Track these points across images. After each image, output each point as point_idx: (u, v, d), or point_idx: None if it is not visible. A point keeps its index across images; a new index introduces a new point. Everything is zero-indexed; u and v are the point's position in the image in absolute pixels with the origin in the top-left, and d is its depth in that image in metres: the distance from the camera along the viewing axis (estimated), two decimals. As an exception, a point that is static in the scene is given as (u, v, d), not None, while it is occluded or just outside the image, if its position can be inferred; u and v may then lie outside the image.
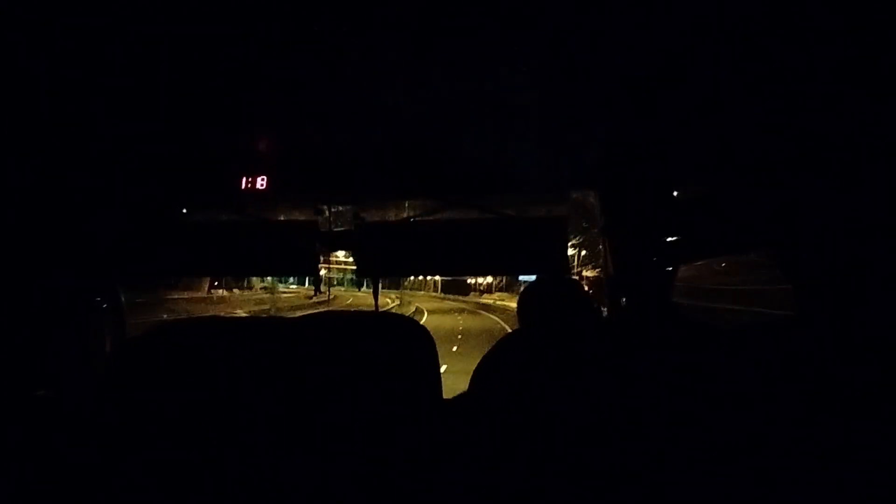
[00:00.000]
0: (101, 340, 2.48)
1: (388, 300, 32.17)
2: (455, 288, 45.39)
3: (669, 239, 2.03)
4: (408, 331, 1.25)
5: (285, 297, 32.76)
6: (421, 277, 51.17)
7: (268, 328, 1.34)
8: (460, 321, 24.45)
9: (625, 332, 1.19)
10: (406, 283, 52.99)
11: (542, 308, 2.00)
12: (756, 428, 0.99)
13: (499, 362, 1.13)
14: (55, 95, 1.78)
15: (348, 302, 32.58)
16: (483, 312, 31.02)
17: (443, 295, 47.06)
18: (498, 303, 31.89)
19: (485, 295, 41.06)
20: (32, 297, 2.13)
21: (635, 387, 1.02)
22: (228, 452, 1.11)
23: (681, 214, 2.04)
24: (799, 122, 1.76)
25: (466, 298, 41.62)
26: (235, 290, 30.97)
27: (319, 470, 1.09)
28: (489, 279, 40.41)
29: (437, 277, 47.14)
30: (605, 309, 2.14)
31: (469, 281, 43.98)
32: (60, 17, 1.45)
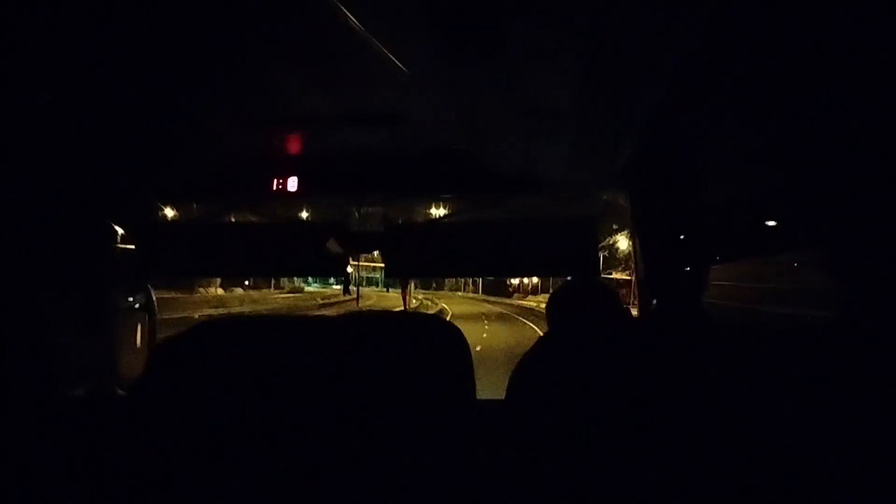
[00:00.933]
0: (132, 340, 2.72)
1: (414, 300, 31.72)
2: (496, 289, 45.00)
3: (701, 240, 2.16)
4: (440, 331, 1.35)
5: (280, 300, 32.80)
6: (460, 278, 51.21)
7: (302, 327, 1.46)
8: (484, 333, 19.13)
9: (656, 335, 1.26)
10: (446, 284, 53.11)
11: (571, 311, 2.15)
12: (792, 431, 1.05)
13: (534, 365, 1.21)
14: (96, 92, 1.95)
15: (370, 302, 32.29)
16: (520, 319, 27.15)
17: (482, 296, 46.82)
18: (542, 306, 30.49)
19: (529, 297, 40.53)
20: (64, 297, 2.35)
21: (668, 389, 1.10)
22: (261, 452, 1.20)
23: (713, 215, 2.17)
24: (838, 117, 1.86)
25: (506, 301, 41.08)
26: (238, 290, 30.98)
27: (353, 468, 1.18)
28: (534, 280, 39.97)
29: (478, 278, 47.03)
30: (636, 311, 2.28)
31: (512, 282, 43.58)
32: (93, 18, 1.64)
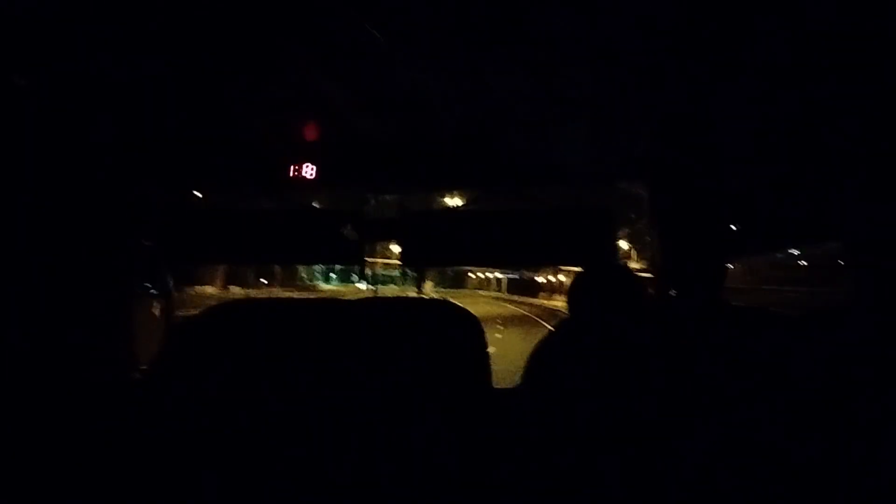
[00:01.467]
0: (149, 325, 2.85)
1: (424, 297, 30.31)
2: (523, 287, 44.52)
3: (721, 231, 2.25)
4: (457, 317, 1.46)
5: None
6: (483, 276, 51.07)
7: (322, 310, 1.55)
8: (492, 346, 12.36)
9: (675, 323, 1.32)
10: (469, 283, 52.89)
11: (593, 297, 2.23)
12: (809, 415, 1.11)
13: (551, 351, 1.29)
14: (112, 84, 2.05)
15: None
16: (544, 324, 22.42)
17: (506, 295, 46.39)
18: (570, 307, 28.18)
19: (555, 296, 39.71)
20: (83, 282, 2.47)
21: (687, 377, 1.17)
22: (276, 432, 1.28)
23: (734, 206, 2.25)
24: (861, 111, 1.94)
25: (531, 300, 40.35)
26: (234, 288, 29.72)
27: (368, 450, 1.25)
28: (562, 278, 39.40)
29: (502, 276, 46.72)
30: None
31: (539, 280, 43.14)
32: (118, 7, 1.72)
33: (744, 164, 2.27)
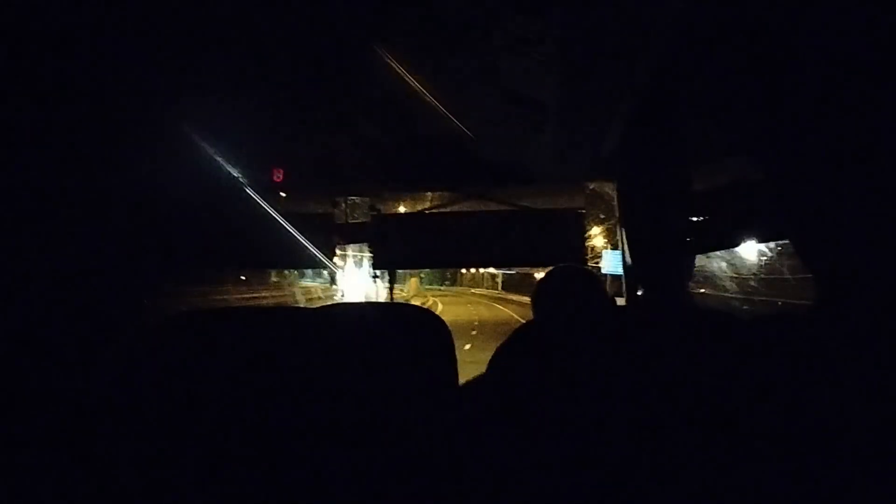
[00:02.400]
0: (119, 336, 2.98)
1: (401, 292, 28.86)
2: (519, 284, 44.23)
3: (687, 228, 2.41)
4: (423, 320, 1.51)
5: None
6: (475, 271, 50.80)
7: (286, 318, 1.59)
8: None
9: (641, 322, 1.38)
10: (465, 279, 52.45)
11: (556, 298, 2.38)
12: (773, 418, 1.14)
13: (515, 351, 1.34)
14: (76, 95, 2.21)
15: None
16: None
17: (499, 293, 46.06)
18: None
19: None
20: (53, 294, 2.60)
21: (651, 376, 1.21)
22: (240, 442, 1.31)
23: (699, 204, 2.41)
24: (820, 111, 2.09)
25: (527, 299, 39.81)
26: None
27: (335, 456, 1.29)
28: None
29: (497, 272, 46.33)
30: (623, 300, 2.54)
31: (538, 275, 42.79)
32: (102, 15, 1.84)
33: (710, 162, 2.43)
